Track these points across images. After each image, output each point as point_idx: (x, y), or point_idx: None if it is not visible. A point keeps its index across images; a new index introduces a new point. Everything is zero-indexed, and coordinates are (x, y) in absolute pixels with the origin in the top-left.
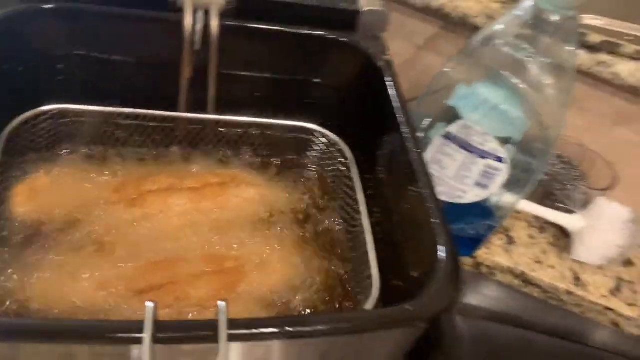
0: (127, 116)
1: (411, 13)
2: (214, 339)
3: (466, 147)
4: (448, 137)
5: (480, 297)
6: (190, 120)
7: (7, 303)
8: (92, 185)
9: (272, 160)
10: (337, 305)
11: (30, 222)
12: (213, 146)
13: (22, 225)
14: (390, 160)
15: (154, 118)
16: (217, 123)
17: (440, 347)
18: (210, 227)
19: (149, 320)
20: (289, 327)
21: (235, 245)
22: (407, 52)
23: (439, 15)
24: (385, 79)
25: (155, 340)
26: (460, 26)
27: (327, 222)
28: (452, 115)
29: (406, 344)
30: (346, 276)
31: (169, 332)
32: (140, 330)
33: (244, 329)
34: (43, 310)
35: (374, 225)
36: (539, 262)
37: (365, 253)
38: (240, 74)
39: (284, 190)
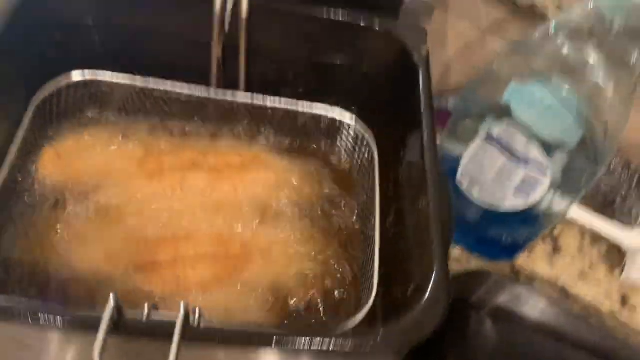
0: (158, 88)
1: None
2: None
3: (508, 151)
4: (491, 137)
5: (516, 302)
6: (221, 99)
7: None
8: (116, 155)
9: (297, 144)
10: (335, 306)
11: (53, 184)
12: (241, 125)
13: (45, 187)
14: (410, 162)
15: (183, 92)
16: (248, 104)
17: (461, 346)
18: (224, 209)
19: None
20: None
21: (245, 230)
22: (472, 34)
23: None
24: (421, 74)
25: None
26: (529, 14)
27: (341, 217)
28: (504, 110)
29: None
30: (350, 275)
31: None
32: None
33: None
34: (53, 274)
35: (388, 227)
36: (583, 275)
37: (372, 255)
38: (271, 55)
39: (304, 177)
